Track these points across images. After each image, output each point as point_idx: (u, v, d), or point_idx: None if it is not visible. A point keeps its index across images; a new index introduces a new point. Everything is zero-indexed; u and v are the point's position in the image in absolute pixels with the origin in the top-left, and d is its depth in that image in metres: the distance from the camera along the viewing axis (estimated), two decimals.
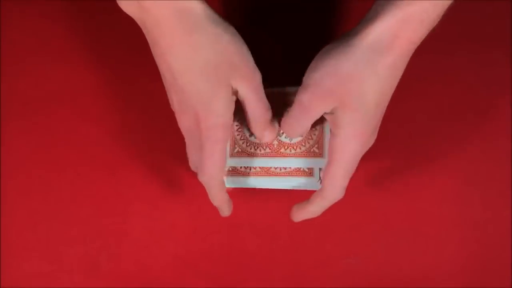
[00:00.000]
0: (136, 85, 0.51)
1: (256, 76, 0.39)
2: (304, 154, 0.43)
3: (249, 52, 0.38)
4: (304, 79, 0.38)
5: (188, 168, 0.50)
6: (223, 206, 0.43)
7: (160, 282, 0.49)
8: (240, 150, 0.44)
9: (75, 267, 0.49)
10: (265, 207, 0.50)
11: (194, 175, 0.50)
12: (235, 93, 0.39)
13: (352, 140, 0.38)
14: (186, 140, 0.42)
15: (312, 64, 0.38)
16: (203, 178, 0.41)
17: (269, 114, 0.41)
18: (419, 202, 0.49)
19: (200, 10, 0.36)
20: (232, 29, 0.37)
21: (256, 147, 0.44)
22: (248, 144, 0.44)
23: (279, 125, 0.43)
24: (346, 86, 0.36)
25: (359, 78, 0.36)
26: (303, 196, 0.50)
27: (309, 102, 0.38)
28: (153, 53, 0.38)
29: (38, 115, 0.51)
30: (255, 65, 0.39)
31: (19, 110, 0.51)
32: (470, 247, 0.49)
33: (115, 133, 0.51)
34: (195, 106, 0.38)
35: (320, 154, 0.42)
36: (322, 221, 0.50)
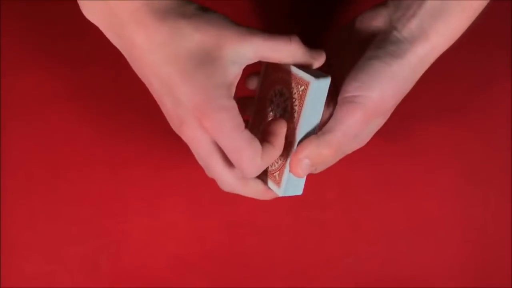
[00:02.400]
0: (136, 85, 0.51)
1: (248, 29, 0.35)
2: (270, 173, 0.40)
3: (223, 16, 0.34)
4: (356, 96, 0.36)
5: (188, 168, 0.50)
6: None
7: (160, 282, 0.49)
8: None
9: (75, 267, 0.49)
10: (265, 207, 0.50)
11: (194, 175, 0.50)
12: (238, 63, 0.34)
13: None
14: (196, 153, 0.38)
15: (362, 81, 0.36)
16: (249, 175, 0.36)
17: (295, 37, 0.36)
18: (419, 202, 0.49)
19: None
20: (196, 4, 0.34)
21: None
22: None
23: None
24: (395, 102, 0.38)
25: (403, 93, 0.38)
26: (303, 195, 0.50)
27: (364, 122, 0.37)
28: (131, 63, 0.35)
29: (38, 115, 0.51)
30: (233, 23, 0.35)
31: (19, 110, 0.51)
32: (470, 247, 0.49)
33: (115, 133, 0.51)
34: (194, 102, 0.33)
35: (278, 183, 0.39)
36: (322, 221, 0.50)
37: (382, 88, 0.36)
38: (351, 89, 0.36)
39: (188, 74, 0.33)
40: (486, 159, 0.49)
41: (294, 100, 0.38)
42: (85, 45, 0.51)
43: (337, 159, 0.40)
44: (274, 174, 0.39)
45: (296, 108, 0.38)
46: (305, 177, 0.39)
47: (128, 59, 0.36)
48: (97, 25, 0.35)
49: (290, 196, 0.50)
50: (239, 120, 0.34)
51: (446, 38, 0.36)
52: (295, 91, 0.38)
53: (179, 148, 0.50)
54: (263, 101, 0.41)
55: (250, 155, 0.35)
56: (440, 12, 0.36)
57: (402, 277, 0.49)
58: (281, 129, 0.37)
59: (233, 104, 0.34)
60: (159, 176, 0.50)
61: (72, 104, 0.51)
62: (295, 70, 0.37)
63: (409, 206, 0.49)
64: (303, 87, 0.37)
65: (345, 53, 0.41)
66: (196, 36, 0.33)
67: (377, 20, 0.39)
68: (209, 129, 0.34)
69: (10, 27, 0.51)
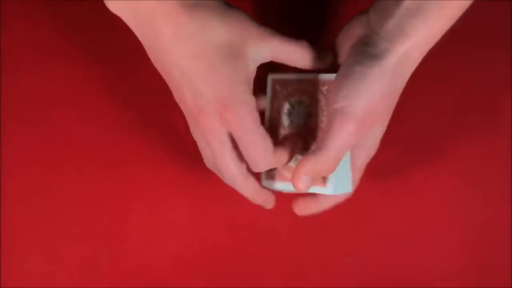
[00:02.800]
0: (136, 85, 0.51)
1: (272, 32, 0.37)
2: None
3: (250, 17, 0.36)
4: (344, 106, 0.36)
5: (188, 168, 0.50)
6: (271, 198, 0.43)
7: (160, 282, 0.49)
8: (276, 173, 0.42)
9: (75, 267, 0.49)
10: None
11: (194, 175, 0.50)
12: (256, 60, 0.37)
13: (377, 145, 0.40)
14: (208, 142, 0.39)
15: (347, 89, 0.36)
16: (259, 169, 0.39)
17: (307, 43, 0.39)
18: (419, 202, 0.49)
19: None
20: (225, 2, 0.36)
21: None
22: (284, 168, 0.42)
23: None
24: (387, 105, 0.38)
25: (394, 95, 0.38)
26: (302, 194, 0.50)
27: (358, 131, 0.37)
28: (153, 53, 0.36)
29: (38, 115, 0.51)
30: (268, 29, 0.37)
31: (19, 110, 0.51)
32: (470, 247, 0.49)
33: (115, 133, 0.51)
34: (218, 95, 0.35)
35: (324, 184, 0.41)
36: (322, 221, 0.50)
37: (368, 93, 0.36)
38: (338, 100, 0.36)
39: (213, 68, 0.34)
40: (486, 159, 0.49)
41: (319, 101, 0.39)
42: (85, 45, 0.51)
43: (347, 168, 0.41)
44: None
45: (324, 107, 0.39)
46: (350, 174, 0.41)
47: (149, 49, 0.36)
48: (120, 14, 0.35)
49: (290, 196, 0.50)
50: (257, 115, 0.37)
51: (426, 36, 0.36)
52: (318, 93, 0.39)
53: (179, 148, 0.50)
54: (276, 118, 0.42)
55: (264, 149, 0.38)
56: (418, 11, 0.35)
57: (402, 277, 0.49)
58: (297, 143, 0.40)
59: (253, 99, 0.36)
60: (159, 176, 0.50)
61: (72, 104, 0.51)
62: (309, 76, 0.39)
63: (409, 206, 0.49)
64: (326, 87, 0.39)
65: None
66: (223, 31, 0.35)
67: (359, 27, 0.39)
68: (230, 120, 0.36)
69: (10, 27, 0.51)
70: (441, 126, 0.50)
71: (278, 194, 0.50)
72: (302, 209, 0.44)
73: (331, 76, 0.38)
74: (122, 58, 0.51)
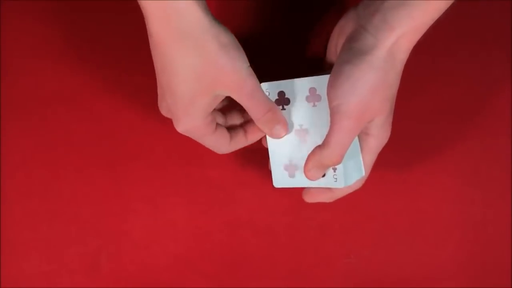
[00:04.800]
0: (136, 85, 0.51)
1: (248, 82, 0.38)
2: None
3: (242, 60, 0.37)
4: (338, 104, 0.37)
5: (188, 168, 0.50)
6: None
7: (160, 282, 0.49)
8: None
9: (75, 267, 0.49)
10: (265, 207, 0.50)
11: (194, 175, 0.50)
12: (223, 98, 0.39)
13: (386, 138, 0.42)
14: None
15: (340, 88, 0.37)
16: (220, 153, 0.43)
17: (271, 114, 0.41)
18: (419, 202, 0.49)
19: (190, 15, 0.35)
20: (224, 35, 0.36)
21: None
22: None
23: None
24: (381, 98, 0.38)
25: (388, 86, 0.38)
26: (302, 194, 0.50)
27: (356, 126, 0.38)
28: (153, 57, 0.38)
29: (38, 115, 0.51)
30: (248, 71, 0.38)
31: (19, 110, 0.51)
32: (470, 247, 0.49)
33: (115, 133, 0.51)
34: (177, 108, 0.38)
35: (335, 179, 0.42)
36: (322, 221, 0.50)
37: (358, 90, 0.37)
38: (333, 98, 0.38)
39: (180, 89, 0.37)
40: (486, 159, 0.49)
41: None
42: (85, 45, 0.51)
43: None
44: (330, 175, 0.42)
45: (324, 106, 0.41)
46: (361, 160, 0.42)
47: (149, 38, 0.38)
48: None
49: (290, 196, 0.50)
50: (208, 130, 0.40)
51: (411, 27, 0.36)
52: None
53: (179, 148, 0.50)
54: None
55: (218, 147, 0.42)
56: (402, 4, 0.36)
57: (402, 277, 0.49)
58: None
59: (204, 121, 0.39)
60: (159, 176, 0.50)
61: (72, 104, 0.51)
62: (299, 80, 0.42)
63: (409, 206, 0.49)
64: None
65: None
66: (198, 66, 0.36)
67: (349, 24, 0.40)
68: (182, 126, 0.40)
69: (10, 27, 0.51)
70: (440, 126, 0.50)
71: (277, 194, 0.50)
72: (313, 196, 0.45)
73: (324, 78, 0.40)
74: (122, 58, 0.51)
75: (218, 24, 0.36)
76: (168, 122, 0.50)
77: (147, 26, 0.36)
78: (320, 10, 0.51)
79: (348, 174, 0.42)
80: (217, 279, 0.49)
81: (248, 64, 0.38)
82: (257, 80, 0.39)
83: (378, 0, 0.37)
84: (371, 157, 0.43)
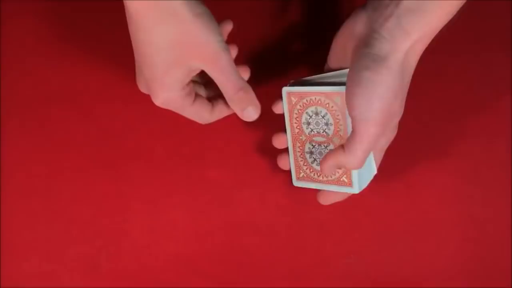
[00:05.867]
0: (136, 85, 0.51)
1: (222, 56, 0.38)
2: (334, 182, 0.44)
3: (216, 32, 0.38)
4: (362, 112, 0.38)
5: (188, 168, 0.50)
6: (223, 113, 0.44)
7: (160, 282, 0.49)
8: (304, 175, 0.46)
9: (75, 267, 0.49)
10: (265, 207, 0.50)
11: (194, 175, 0.50)
12: (198, 71, 0.39)
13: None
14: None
15: (361, 96, 0.38)
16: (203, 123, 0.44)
17: (243, 93, 0.40)
18: (419, 202, 0.49)
19: (178, 3, 0.36)
20: (199, 6, 0.37)
21: (318, 174, 0.45)
22: (311, 171, 0.45)
23: None
24: (400, 100, 0.39)
25: (404, 88, 0.39)
26: (302, 194, 0.50)
27: (381, 133, 0.38)
28: (129, 31, 0.39)
29: (38, 115, 0.51)
30: (222, 45, 0.38)
31: (19, 110, 0.51)
32: (470, 247, 0.49)
33: (115, 133, 0.51)
34: (153, 80, 0.39)
35: (349, 184, 0.43)
36: (322, 221, 0.50)
37: (382, 96, 0.37)
38: (355, 107, 0.38)
39: (154, 60, 0.38)
40: (486, 159, 0.49)
41: (334, 111, 0.42)
42: (85, 45, 0.51)
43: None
44: (341, 179, 0.44)
45: (340, 116, 0.42)
46: (372, 155, 0.43)
47: (129, 28, 0.39)
48: None
49: (290, 196, 0.50)
50: (185, 102, 0.41)
51: (426, 32, 0.37)
52: (332, 104, 0.42)
53: (179, 148, 0.50)
54: (296, 127, 0.45)
55: (199, 117, 0.42)
56: (418, 10, 0.36)
57: (402, 277, 0.49)
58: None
59: (179, 93, 0.40)
60: (159, 176, 0.50)
61: (72, 104, 0.51)
62: (320, 89, 0.43)
63: (409, 206, 0.49)
64: (338, 97, 0.42)
65: (345, 62, 0.42)
66: (172, 37, 0.37)
67: (359, 25, 0.40)
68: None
69: (10, 27, 0.51)
70: (441, 125, 0.50)
71: (277, 194, 0.50)
72: (328, 198, 0.46)
73: (341, 88, 0.41)
74: (122, 58, 0.51)
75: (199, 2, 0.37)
76: (168, 122, 0.51)
77: (125, 4, 0.37)
78: (322, 8, 0.51)
79: (362, 178, 0.43)
80: (217, 279, 0.49)
81: (222, 38, 0.38)
82: (231, 56, 0.39)
83: (390, 3, 0.37)
84: (380, 154, 0.44)
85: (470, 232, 0.49)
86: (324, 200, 0.46)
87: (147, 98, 0.51)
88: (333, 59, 0.44)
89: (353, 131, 0.38)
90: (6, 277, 0.49)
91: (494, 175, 0.49)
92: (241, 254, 0.50)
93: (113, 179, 0.50)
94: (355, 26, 0.40)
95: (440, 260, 0.49)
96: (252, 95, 0.41)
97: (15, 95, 0.51)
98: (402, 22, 0.36)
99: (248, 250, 0.50)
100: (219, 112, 0.44)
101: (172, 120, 0.50)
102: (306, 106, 0.44)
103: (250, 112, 0.41)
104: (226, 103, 0.43)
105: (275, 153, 0.47)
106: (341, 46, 0.42)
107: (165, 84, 0.39)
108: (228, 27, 0.44)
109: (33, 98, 0.51)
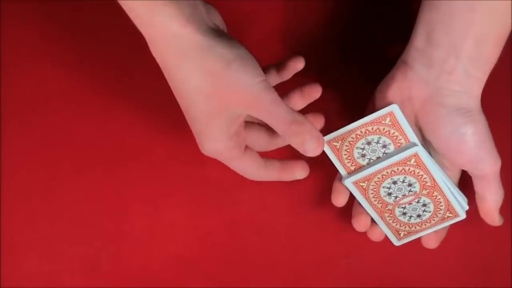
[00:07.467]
0: (136, 85, 0.51)
1: (263, 98, 0.35)
2: (440, 222, 0.45)
3: (253, 74, 0.35)
4: (476, 168, 0.41)
5: (188, 168, 0.50)
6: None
7: (160, 282, 0.49)
8: (405, 233, 0.46)
9: (75, 267, 0.49)
10: (265, 207, 0.50)
11: (194, 175, 0.50)
12: (243, 117, 0.38)
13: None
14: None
15: (470, 151, 0.40)
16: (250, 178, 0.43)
17: (296, 126, 0.36)
18: None
19: (185, 37, 0.34)
20: (229, 51, 0.35)
21: (420, 225, 0.46)
22: (411, 226, 0.46)
23: None
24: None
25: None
26: (302, 194, 0.50)
27: (499, 179, 0.42)
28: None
29: (38, 115, 0.51)
30: (261, 85, 0.35)
31: (19, 110, 0.51)
32: (470, 247, 0.49)
33: (115, 133, 0.51)
34: (197, 132, 0.38)
35: (455, 215, 0.45)
36: (322, 221, 0.50)
37: (488, 151, 0.41)
38: (467, 165, 0.42)
39: (193, 112, 0.37)
40: None
41: (411, 172, 0.42)
42: (85, 45, 0.51)
43: None
44: (446, 216, 0.45)
45: (420, 172, 0.42)
46: (457, 188, 0.45)
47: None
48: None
49: (290, 196, 0.50)
50: (233, 153, 0.39)
51: (489, 70, 0.39)
52: (406, 168, 0.42)
53: (179, 148, 0.50)
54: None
55: (249, 172, 0.42)
56: (480, 57, 0.38)
57: (402, 277, 0.49)
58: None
59: (226, 144, 0.38)
60: (159, 176, 0.50)
61: (72, 104, 0.51)
62: (387, 163, 0.42)
63: None
64: (413, 159, 0.42)
65: None
66: (204, 88, 0.35)
67: (415, 87, 0.40)
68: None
69: (10, 27, 0.51)
70: None
71: (277, 194, 0.50)
72: (438, 240, 0.46)
73: (411, 151, 0.41)
74: (122, 58, 0.51)
75: (222, 40, 0.35)
76: (168, 122, 0.50)
77: (152, 53, 0.36)
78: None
79: (461, 201, 0.44)
80: (217, 279, 0.49)
81: (261, 78, 0.35)
82: (274, 92, 0.36)
83: (448, 57, 0.38)
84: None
85: (470, 232, 0.49)
86: (436, 243, 0.45)
87: (147, 98, 0.51)
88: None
89: (478, 192, 0.43)
90: (6, 277, 0.49)
91: None
92: (241, 254, 0.50)
93: (113, 179, 0.50)
94: (411, 91, 0.40)
95: (440, 260, 0.49)
96: (307, 126, 0.37)
97: (15, 95, 0.51)
98: (470, 72, 0.38)
99: (248, 250, 0.50)
100: (267, 174, 0.42)
101: (172, 120, 0.50)
102: (380, 183, 0.43)
103: (310, 144, 0.37)
104: (279, 167, 0.42)
105: (275, 153, 0.47)
106: (383, 100, 0.42)
107: (209, 136, 0.37)
108: (298, 65, 0.42)
109: (33, 98, 0.51)
